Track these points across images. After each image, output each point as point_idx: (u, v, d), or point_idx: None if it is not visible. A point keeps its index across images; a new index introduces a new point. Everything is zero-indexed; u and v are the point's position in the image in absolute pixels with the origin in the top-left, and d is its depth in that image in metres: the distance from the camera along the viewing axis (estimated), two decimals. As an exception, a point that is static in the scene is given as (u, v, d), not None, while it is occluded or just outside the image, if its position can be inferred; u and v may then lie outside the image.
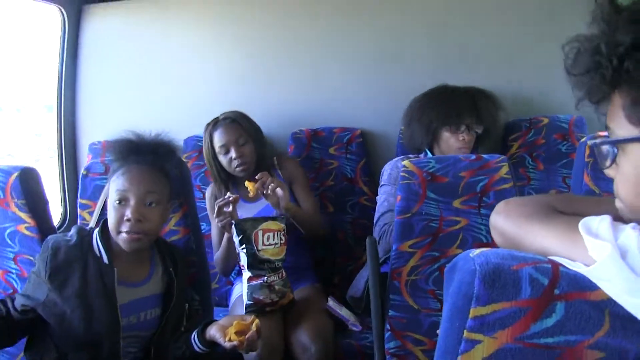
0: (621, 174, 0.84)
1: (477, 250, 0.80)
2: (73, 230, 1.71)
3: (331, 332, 2.21)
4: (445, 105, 2.32)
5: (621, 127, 0.80)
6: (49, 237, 1.70)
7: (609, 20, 0.79)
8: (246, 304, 2.14)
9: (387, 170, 2.36)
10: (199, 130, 2.93)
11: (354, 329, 2.27)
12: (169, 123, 2.94)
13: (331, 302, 2.28)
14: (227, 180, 2.48)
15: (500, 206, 1.05)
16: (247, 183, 2.28)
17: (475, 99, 2.36)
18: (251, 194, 2.26)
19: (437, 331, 0.84)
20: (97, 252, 1.68)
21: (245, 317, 1.65)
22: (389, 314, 1.89)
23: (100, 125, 3.16)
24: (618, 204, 0.88)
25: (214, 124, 2.47)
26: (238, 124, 2.44)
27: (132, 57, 3.16)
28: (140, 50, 3.15)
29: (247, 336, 1.57)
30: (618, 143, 0.83)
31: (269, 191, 2.24)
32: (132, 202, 1.67)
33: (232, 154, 2.39)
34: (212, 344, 1.67)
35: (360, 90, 2.91)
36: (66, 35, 3.10)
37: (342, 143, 2.86)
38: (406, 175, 1.88)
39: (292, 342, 2.16)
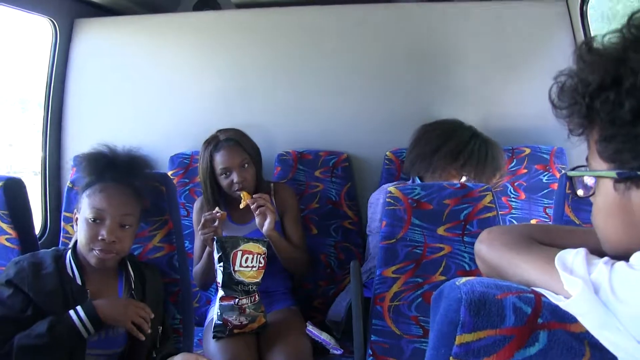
0: (595, 204, 0.87)
1: (463, 279, 0.82)
2: (48, 258, 1.69)
3: (309, 354, 2.20)
4: (475, 163, 2.28)
5: (595, 161, 0.83)
6: (22, 259, 1.68)
7: (583, 59, 0.83)
8: (215, 323, 2.15)
9: (380, 200, 2.33)
10: (184, 147, 2.97)
11: (335, 352, 2.26)
12: (155, 140, 3.01)
13: (310, 327, 2.28)
14: (219, 200, 2.44)
15: (483, 235, 1.07)
16: (243, 193, 2.30)
17: (497, 166, 2.34)
18: (242, 204, 2.28)
19: None
20: (70, 273, 1.69)
21: (200, 357, 1.64)
22: (371, 338, 1.89)
23: (86, 138, 3.09)
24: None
25: (215, 144, 2.40)
26: (240, 147, 2.39)
27: (121, 72, 3.16)
28: (129, 66, 3.16)
29: None
30: (590, 176, 0.86)
31: (257, 210, 2.27)
32: (107, 222, 1.68)
33: (235, 177, 2.35)
34: None
35: (347, 115, 2.94)
36: (57, 47, 3.10)
37: (328, 166, 2.87)
38: (391, 201, 1.90)
39: None
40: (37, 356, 1.52)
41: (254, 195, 2.29)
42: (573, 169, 0.91)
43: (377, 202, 2.36)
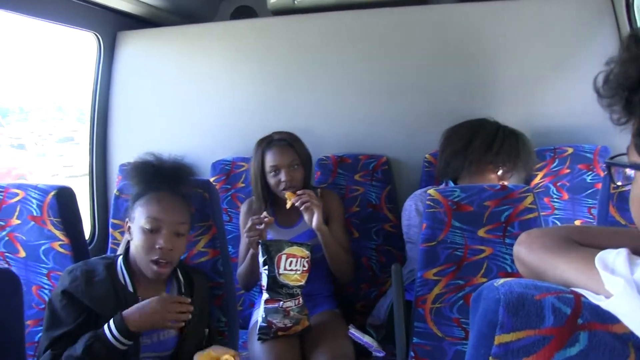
0: (631, 194, 0.87)
1: (501, 280, 0.82)
2: (100, 266, 1.76)
3: (352, 357, 2.22)
4: (508, 150, 2.27)
5: (632, 153, 0.83)
6: (75, 268, 1.74)
7: (629, 50, 0.82)
8: (260, 326, 2.18)
9: (412, 207, 2.35)
10: (225, 154, 3.01)
11: (378, 355, 2.26)
12: (197, 147, 3.06)
13: (352, 329, 2.29)
14: (268, 200, 2.50)
15: (522, 237, 1.07)
16: (287, 193, 2.34)
17: (529, 152, 2.33)
18: (288, 204, 2.33)
19: None
20: (122, 281, 1.75)
21: (230, 350, 1.68)
22: (413, 341, 1.89)
23: (131, 147, 3.24)
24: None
25: (268, 142, 2.47)
26: (292, 148, 2.45)
27: (162, 82, 3.25)
28: (170, 75, 3.24)
29: None
30: (624, 167, 0.85)
31: (302, 206, 2.32)
32: (164, 231, 1.74)
33: (282, 176, 2.40)
34: None
35: (386, 118, 2.95)
36: (101, 60, 3.22)
37: (367, 170, 2.89)
38: (431, 203, 1.90)
39: None
40: None
41: (297, 192, 2.33)
42: (612, 158, 0.91)
43: (410, 209, 2.36)
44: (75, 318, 1.64)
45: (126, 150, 3.27)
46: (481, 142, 2.26)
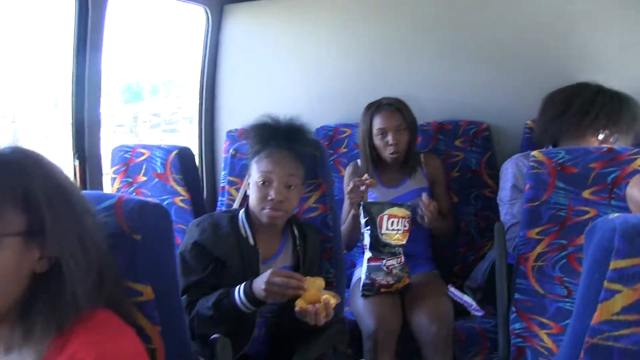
0: None
1: (616, 214, 0.88)
2: (224, 219, 1.89)
3: (451, 315, 2.28)
4: (608, 113, 2.18)
5: None
6: (202, 220, 1.89)
7: None
8: (363, 283, 2.29)
9: (509, 169, 2.34)
10: (329, 120, 3.13)
11: (477, 313, 2.32)
12: (301, 113, 3.14)
13: (452, 289, 2.35)
14: (374, 161, 2.59)
15: (635, 180, 1.11)
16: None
17: (636, 114, 2.23)
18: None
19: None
20: (244, 234, 1.89)
21: (330, 292, 1.71)
22: (515, 297, 1.93)
23: (237, 114, 3.45)
24: None
25: (377, 106, 2.57)
26: (400, 112, 2.54)
27: (267, 52, 3.40)
28: (274, 45, 3.39)
29: (309, 307, 1.62)
30: None
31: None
32: (275, 183, 1.85)
33: (390, 139, 2.50)
34: None
35: (487, 85, 2.96)
36: (209, 32, 3.41)
37: (468, 136, 2.92)
38: (535, 164, 1.91)
39: (411, 323, 2.27)
40: (207, 323, 1.71)
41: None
42: None
43: (505, 171, 2.36)
44: (205, 267, 1.80)
45: (233, 117, 3.46)
46: (579, 106, 2.20)
